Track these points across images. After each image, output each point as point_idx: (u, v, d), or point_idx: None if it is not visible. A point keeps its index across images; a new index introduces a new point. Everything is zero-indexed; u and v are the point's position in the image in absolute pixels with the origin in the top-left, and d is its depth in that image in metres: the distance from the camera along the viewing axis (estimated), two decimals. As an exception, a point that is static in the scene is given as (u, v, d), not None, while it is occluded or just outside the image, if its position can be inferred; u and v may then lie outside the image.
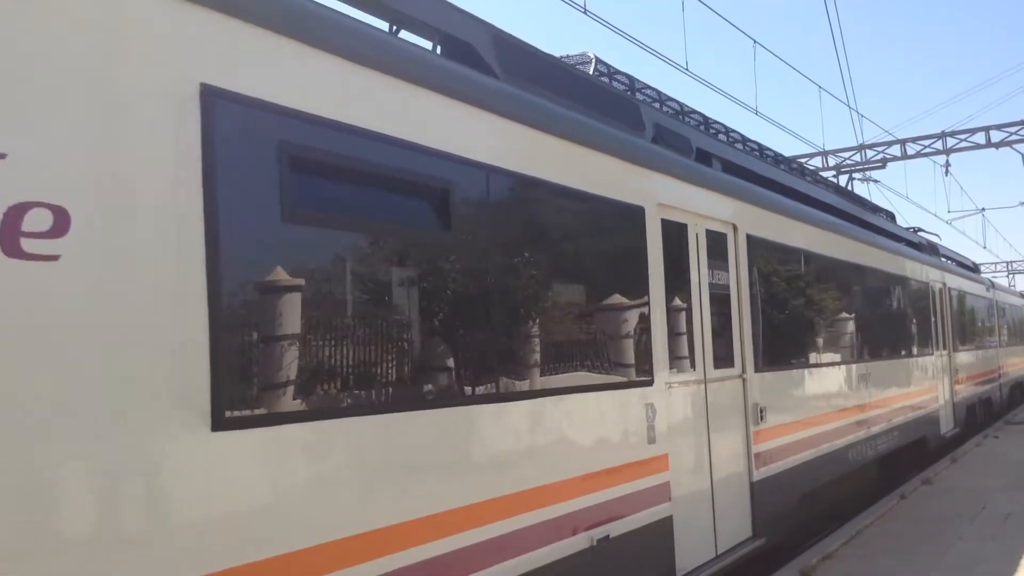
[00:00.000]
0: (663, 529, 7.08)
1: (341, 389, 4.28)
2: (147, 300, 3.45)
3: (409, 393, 4.68)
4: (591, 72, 8.51)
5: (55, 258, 3.16)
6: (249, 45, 3.96)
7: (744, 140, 11.68)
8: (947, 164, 28.68)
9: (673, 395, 7.41)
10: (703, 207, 8.26)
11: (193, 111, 3.68)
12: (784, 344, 10.10)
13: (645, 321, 7.05)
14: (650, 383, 7.05)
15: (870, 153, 28.05)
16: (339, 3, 5.32)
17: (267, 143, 4.00)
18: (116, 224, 3.36)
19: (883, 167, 27.62)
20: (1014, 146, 26.86)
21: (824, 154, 28.30)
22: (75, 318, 3.21)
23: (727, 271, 8.72)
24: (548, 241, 6.05)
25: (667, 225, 7.55)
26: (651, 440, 7.00)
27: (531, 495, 5.52)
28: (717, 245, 8.54)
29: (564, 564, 5.80)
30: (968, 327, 21.82)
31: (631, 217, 7.03)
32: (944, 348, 18.40)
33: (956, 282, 20.59)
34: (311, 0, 4.44)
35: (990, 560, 8.90)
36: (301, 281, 4.10)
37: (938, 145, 27.70)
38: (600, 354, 6.49)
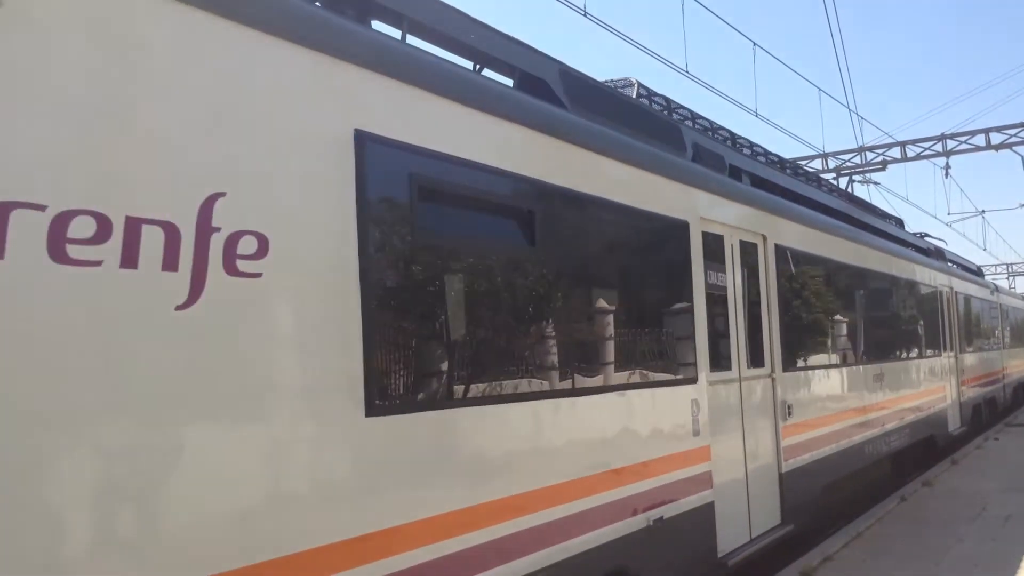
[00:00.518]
0: (706, 514, 7.83)
1: (459, 384, 5.04)
2: (320, 309, 4.21)
3: (509, 387, 5.44)
4: (634, 95, 9.27)
5: (259, 275, 3.92)
6: (388, 96, 4.73)
7: (766, 153, 12.44)
8: (947, 166, 28.74)
9: (713, 392, 8.16)
10: (737, 220, 9.02)
11: (349, 151, 4.45)
12: (808, 345, 10.85)
13: (690, 325, 7.80)
14: (695, 381, 7.80)
15: (870, 155, 28.19)
16: (433, 46, 6.07)
17: (403, 175, 4.76)
18: (297, 246, 4.12)
19: (883, 169, 27.77)
20: (1014, 148, 27.03)
21: (824, 156, 28.36)
22: (273, 326, 3.97)
23: (758, 278, 9.48)
24: (612, 254, 6.82)
25: (707, 237, 8.31)
26: (695, 432, 7.75)
27: (604, 477, 6.28)
28: (749, 254, 9.29)
29: (626, 541, 6.54)
30: (973, 330, 22.56)
31: (677, 231, 7.79)
32: (952, 350, 19.14)
33: (962, 286, 21.32)
34: (436, 58, 5.20)
35: (990, 562, 9.00)
36: (429, 291, 4.86)
37: (938, 147, 27.83)
38: (655, 354, 7.26)
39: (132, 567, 3.33)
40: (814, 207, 12.44)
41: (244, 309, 3.85)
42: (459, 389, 5.07)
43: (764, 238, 9.67)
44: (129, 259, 3.41)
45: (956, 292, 20.27)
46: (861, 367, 12.76)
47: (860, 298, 13.19)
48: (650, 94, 9.76)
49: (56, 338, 3.17)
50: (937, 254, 20.82)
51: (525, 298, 5.75)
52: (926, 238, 21.72)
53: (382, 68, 4.68)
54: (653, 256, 7.45)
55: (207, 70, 3.82)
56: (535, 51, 6.77)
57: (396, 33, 5.63)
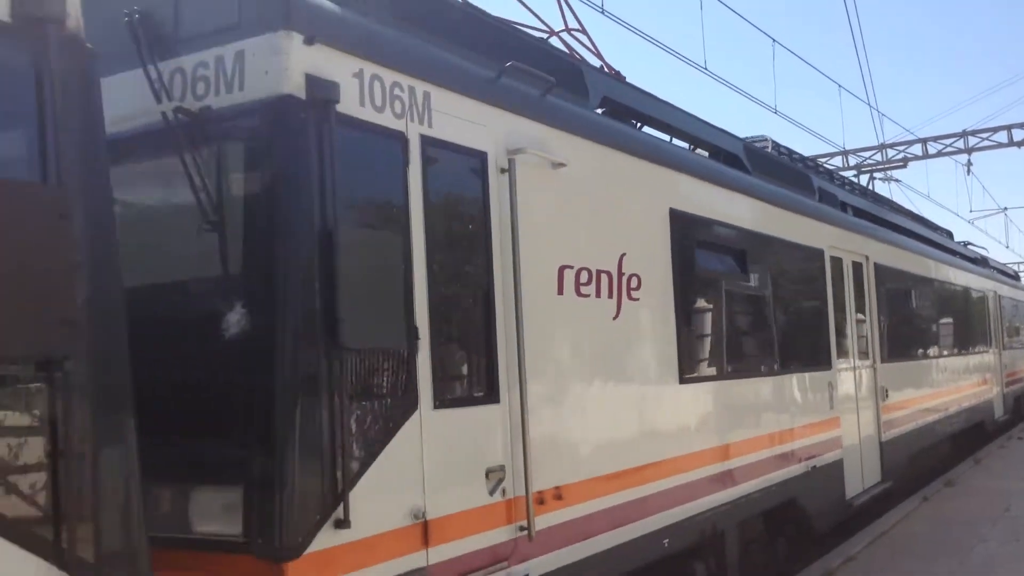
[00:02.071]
0: (838, 467, 10.56)
1: (721, 366, 7.85)
2: (660, 318, 7.00)
3: (737, 368, 8.23)
4: (769, 149, 12.02)
5: (639, 300, 6.71)
6: (686, 185, 7.52)
7: (851, 182, 15.17)
8: (969, 163, 28.67)
9: (840, 377, 10.89)
10: (850, 245, 11.75)
11: (667, 222, 7.23)
12: (897, 342, 13.56)
13: (826, 326, 10.55)
14: (829, 368, 10.54)
15: (891, 152, 27.91)
16: (659, 132, 8.81)
17: (691, 232, 7.55)
18: (651, 280, 6.90)
19: (904, 167, 27.49)
20: (1036, 145, 26.22)
21: (845, 153, 28.10)
22: (645, 328, 6.76)
23: (863, 289, 12.20)
24: (783, 275, 9.58)
25: (833, 260, 11.04)
26: (831, 407, 10.48)
27: (784, 434, 9.04)
28: (857, 271, 12.01)
29: (795, 480, 9.27)
30: (1012, 329, 25.17)
31: (817, 257, 10.55)
32: (996, 347, 21.78)
33: (1004, 290, 23.96)
34: (703, 159, 8.00)
35: (1013, 562, 9.10)
36: (705, 307, 7.66)
37: (960, 144, 27.58)
38: (810, 348, 10.02)
39: (601, 461, 6.12)
40: (888, 226, 15.13)
41: (635, 318, 6.64)
42: (721, 369, 7.87)
43: (867, 258, 12.39)
44: (598, 292, 6.22)
45: (1000, 296, 22.88)
46: (934, 360, 15.46)
47: (931, 303, 15.89)
48: (778, 148, 12.51)
49: (573, 332, 5.97)
50: (982, 261, 23.45)
51: (746, 309, 8.53)
52: (968, 247, 24.32)
53: (683, 168, 7.49)
54: (803, 276, 10.22)
55: (612, 181, 6.61)
56: (729, 133, 9.56)
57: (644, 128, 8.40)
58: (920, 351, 14.88)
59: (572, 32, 8.50)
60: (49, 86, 3.11)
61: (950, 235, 22.85)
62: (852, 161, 28.10)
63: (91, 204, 3.21)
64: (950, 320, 17.40)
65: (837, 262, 11.25)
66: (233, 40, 4.23)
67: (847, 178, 15.41)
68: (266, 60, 4.14)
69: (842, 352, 11.14)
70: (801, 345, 9.86)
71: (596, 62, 8.19)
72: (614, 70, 8.44)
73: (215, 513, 4.03)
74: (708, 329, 7.80)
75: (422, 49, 5.06)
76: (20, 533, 2.97)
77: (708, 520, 7.44)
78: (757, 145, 11.95)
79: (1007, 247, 69.75)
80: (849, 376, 11.31)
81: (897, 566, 9.14)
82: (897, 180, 29.51)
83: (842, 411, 10.85)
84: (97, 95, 3.32)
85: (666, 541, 6.82)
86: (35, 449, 3.05)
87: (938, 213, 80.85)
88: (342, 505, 4.13)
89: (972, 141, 27.41)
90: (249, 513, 3.96)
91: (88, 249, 3.18)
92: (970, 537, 10.21)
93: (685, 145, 9.17)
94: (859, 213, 13.47)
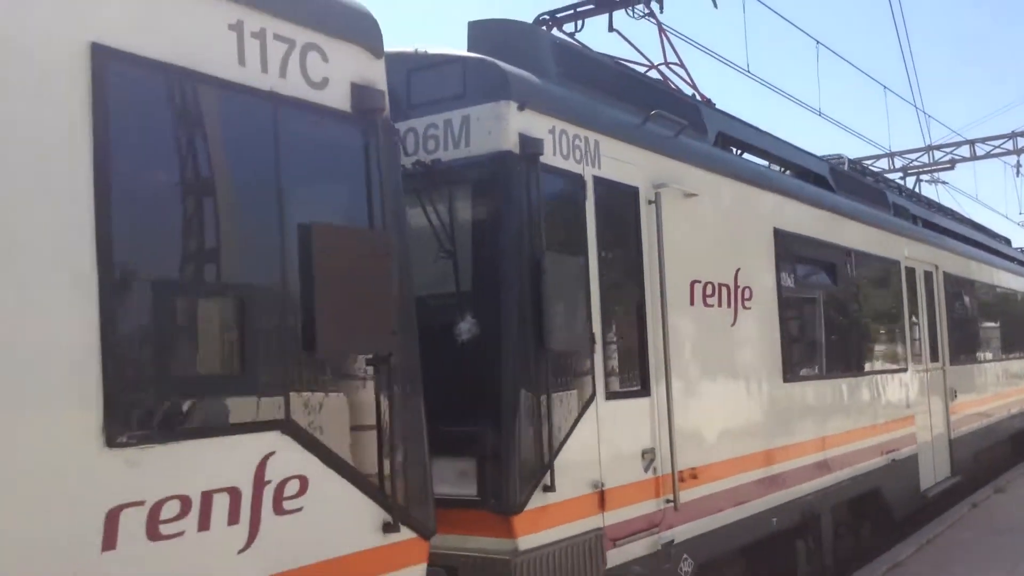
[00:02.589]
0: (913, 461, 11.46)
1: (815, 366, 8.84)
2: (766, 323, 8.01)
3: (829, 369, 9.21)
4: (846, 167, 12.95)
5: (751, 308, 7.73)
6: (790, 208, 8.54)
7: (920, 196, 16.00)
8: (1018, 164, 28.27)
9: (913, 378, 11.78)
10: (922, 256, 12.63)
11: (772, 239, 8.24)
12: (964, 346, 14.38)
13: (903, 331, 11.46)
14: (906, 370, 11.45)
15: (938, 154, 27.62)
16: (757, 157, 9.81)
17: (793, 249, 8.55)
18: (758, 292, 7.91)
19: (951, 168, 27.31)
20: (1088, 146, 25.82)
21: (890, 155, 27.80)
22: (754, 333, 7.79)
23: (933, 296, 13.06)
24: (868, 286, 10.56)
25: (907, 270, 11.94)
26: (907, 406, 11.39)
27: (871, 429, 9.99)
28: (928, 280, 12.89)
29: (879, 470, 10.22)
30: None
31: (894, 268, 11.47)
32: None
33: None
34: (802, 183, 9.01)
35: None
36: (802, 314, 8.66)
37: (1008, 145, 27.30)
38: (887, 351, 10.95)
39: (724, 447, 7.15)
40: (953, 236, 15.94)
41: (747, 325, 7.67)
42: (816, 370, 8.87)
43: (936, 267, 13.25)
44: (719, 303, 7.26)
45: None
46: (996, 363, 16.22)
47: (993, 308, 16.65)
48: (853, 164, 13.43)
49: (701, 337, 7.01)
50: (1040, 267, 23.97)
51: (836, 316, 9.52)
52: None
53: (784, 192, 8.51)
54: (883, 285, 11.16)
55: (729, 206, 7.65)
56: (817, 157, 10.58)
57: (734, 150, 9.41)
58: (983, 355, 15.66)
59: (671, 65, 9.55)
60: (375, 156, 4.26)
61: (1008, 242, 23.44)
62: (898, 163, 27.89)
63: (399, 243, 4.35)
64: (1010, 324, 18.12)
65: (911, 272, 12.14)
66: (460, 107, 5.37)
67: (917, 192, 16.23)
68: (489, 123, 5.27)
69: (916, 355, 12.02)
70: (882, 349, 10.80)
71: (689, 90, 9.23)
72: (706, 97, 9.46)
73: (453, 478, 5.15)
74: (805, 334, 8.80)
75: (592, 106, 6.17)
76: (360, 482, 4.11)
77: (808, 503, 8.44)
78: (834, 163, 12.92)
79: (1057, 250, 68.51)
80: (922, 377, 12.18)
81: (945, 573, 9.05)
82: (944, 182, 29.27)
83: (916, 410, 11.74)
84: (399, 159, 4.46)
85: (774, 520, 7.83)
86: (369, 417, 4.18)
87: (986, 215, 79.96)
88: (548, 473, 5.24)
89: (1021, 142, 27.23)
90: (483, 478, 5.09)
91: (398, 276, 4.32)
92: (1020, 545, 10.10)
93: (775, 166, 10.19)
94: (927, 224, 14.31)
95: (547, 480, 5.24)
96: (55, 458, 3.04)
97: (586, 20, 8.63)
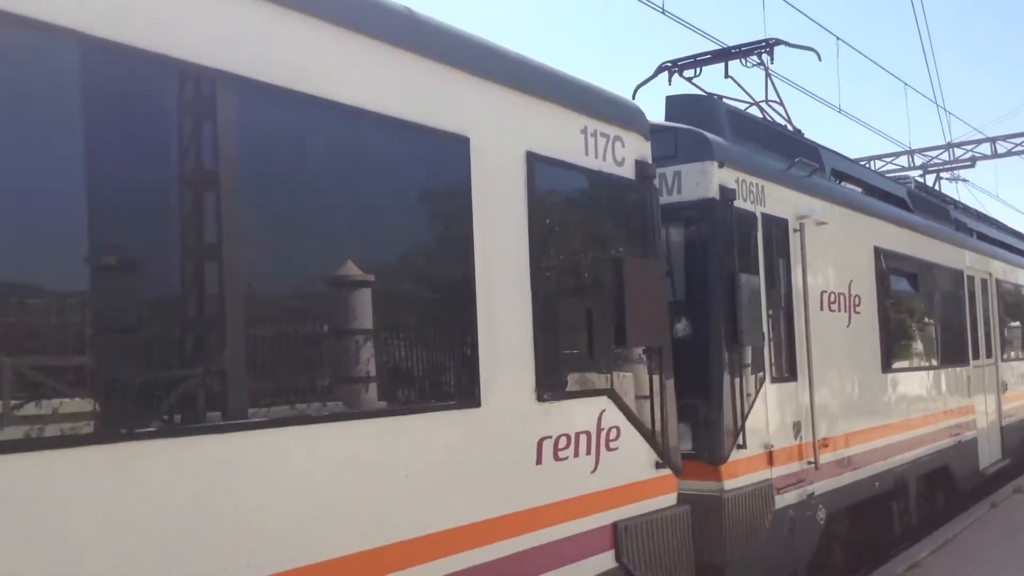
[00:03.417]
0: (974, 444, 13.28)
1: (903, 359, 10.70)
2: (867, 323, 9.86)
3: (914, 363, 11.04)
4: (913, 187, 14.77)
5: (859, 313, 9.59)
6: (891, 232, 10.38)
7: (976, 212, 17.83)
8: None
9: (973, 372, 13.59)
10: (979, 265, 14.44)
11: (873, 255, 10.08)
12: (1012, 345, 16.17)
13: (964, 331, 13.29)
14: (968, 364, 13.27)
15: (958, 152, 27.93)
16: (854, 185, 11.64)
17: (887, 263, 10.40)
18: (861, 299, 9.75)
19: (972, 166, 27.38)
20: (1111, 143, 25.96)
21: (911, 153, 28.20)
22: (863, 333, 9.63)
23: (987, 300, 14.87)
24: (940, 292, 12.40)
25: (968, 278, 13.76)
26: (968, 395, 13.20)
27: (943, 414, 11.83)
28: (984, 286, 14.69)
29: (949, 449, 12.04)
30: None
31: (958, 275, 13.29)
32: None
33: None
34: (898, 210, 10.86)
35: None
36: (896, 318, 10.51)
37: None
38: (955, 348, 12.79)
39: (844, 423, 9.01)
40: (1003, 246, 17.71)
41: (858, 326, 9.52)
42: (905, 363, 10.74)
43: (990, 275, 15.05)
44: (839, 308, 9.12)
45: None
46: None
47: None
48: (919, 185, 15.24)
49: (828, 335, 8.85)
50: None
51: (917, 318, 11.36)
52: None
53: (882, 216, 10.37)
54: (951, 292, 13.00)
55: (845, 229, 9.49)
56: (895, 182, 12.40)
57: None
58: (1029, 352, 17.44)
59: (771, 103, 11.41)
60: (650, 210, 6.17)
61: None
62: (918, 161, 28.02)
63: (659, 268, 6.27)
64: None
65: (971, 279, 13.96)
66: (673, 164, 7.26)
67: (975, 209, 18.07)
68: (697, 177, 7.17)
69: (975, 351, 13.84)
70: (951, 346, 12.63)
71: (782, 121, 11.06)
72: (797, 128, 11.30)
73: (673, 438, 7.04)
74: (896, 334, 10.65)
75: (760, 159, 8.06)
76: (644, 432, 6.01)
77: (900, 472, 10.30)
78: (906, 183, 14.77)
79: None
80: (981, 371, 13.99)
81: (963, 573, 9.14)
82: (964, 180, 29.35)
83: (975, 399, 13.55)
84: (659, 211, 6.37)
85: (876, 484, 9.69)
86: (646, 390, 6.08)
87: (1007, 213, 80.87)
88: (741, 434, 7.13)
89: (1043, 140, 26.87)
90: (698, 438, 6.99)
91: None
92: (1039, 545, 10.07)
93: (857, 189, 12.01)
94: (981, 236, 16.11)
95: (740, 439, 7.13)
96: (516, 405, 4.97)
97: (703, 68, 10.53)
